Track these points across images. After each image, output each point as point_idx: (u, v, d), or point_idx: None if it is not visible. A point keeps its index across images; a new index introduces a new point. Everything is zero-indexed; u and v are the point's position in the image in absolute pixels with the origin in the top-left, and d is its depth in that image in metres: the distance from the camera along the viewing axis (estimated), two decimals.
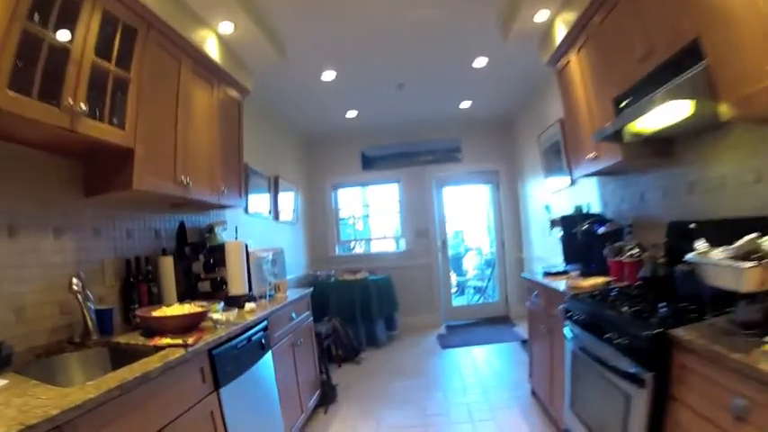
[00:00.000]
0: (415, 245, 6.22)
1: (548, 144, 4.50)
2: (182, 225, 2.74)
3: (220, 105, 2.82)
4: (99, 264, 2.18)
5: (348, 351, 4.74)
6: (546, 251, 4.88)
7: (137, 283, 2.30)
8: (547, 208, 4.77)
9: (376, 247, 6.70)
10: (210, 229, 2.96)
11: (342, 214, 6.62)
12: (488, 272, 6.97)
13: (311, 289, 3.69)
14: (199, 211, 3.02)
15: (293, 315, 3.02)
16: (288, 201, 5.31)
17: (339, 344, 4.68)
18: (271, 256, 3.15)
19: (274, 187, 4.86)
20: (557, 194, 4.48)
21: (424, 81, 4.43)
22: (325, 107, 4.98)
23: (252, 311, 2.43)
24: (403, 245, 6.35)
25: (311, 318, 3.49)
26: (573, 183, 3.94)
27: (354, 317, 5.11)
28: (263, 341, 2.37)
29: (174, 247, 2.68)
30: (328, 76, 4.06)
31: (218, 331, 1.96)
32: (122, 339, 1.90)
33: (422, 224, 6.24)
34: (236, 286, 2.58)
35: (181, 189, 2.33)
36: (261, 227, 4.35)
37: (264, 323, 2.44)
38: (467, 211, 6.81)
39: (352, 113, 5.33)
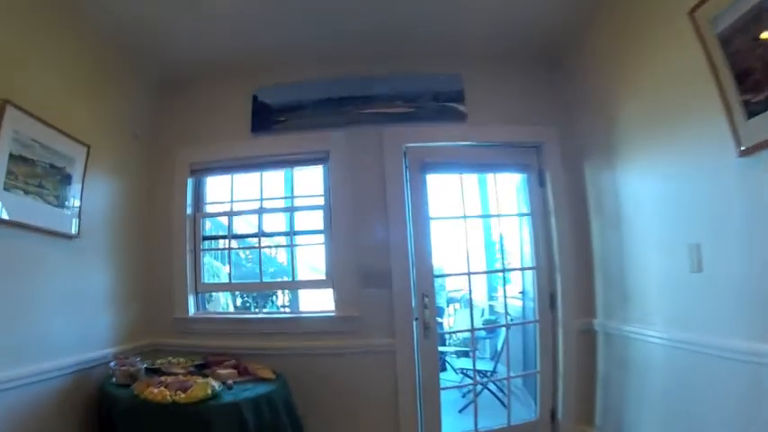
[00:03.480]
0: (361, 304, 2.70)
1: None
2: None
3: None
4: None
5: None
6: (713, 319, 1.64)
7: None
8: None
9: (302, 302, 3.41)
10: None
11: (220, 226, 3.27)
12: (497, 343, 3.67)
13: None
14: None
15: None
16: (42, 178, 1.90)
17: None
18: None
19: None
20: None
21: None
22: None
23: None
24: (331, 302, 2.79)
25: None
26: None
27: None
28: None
29: None
30: None
31: None
32: None
33: (376, 258, 2.72)
34: None
35: None
36: None
37: None
38: (457, 226, 2.96)
39: None
